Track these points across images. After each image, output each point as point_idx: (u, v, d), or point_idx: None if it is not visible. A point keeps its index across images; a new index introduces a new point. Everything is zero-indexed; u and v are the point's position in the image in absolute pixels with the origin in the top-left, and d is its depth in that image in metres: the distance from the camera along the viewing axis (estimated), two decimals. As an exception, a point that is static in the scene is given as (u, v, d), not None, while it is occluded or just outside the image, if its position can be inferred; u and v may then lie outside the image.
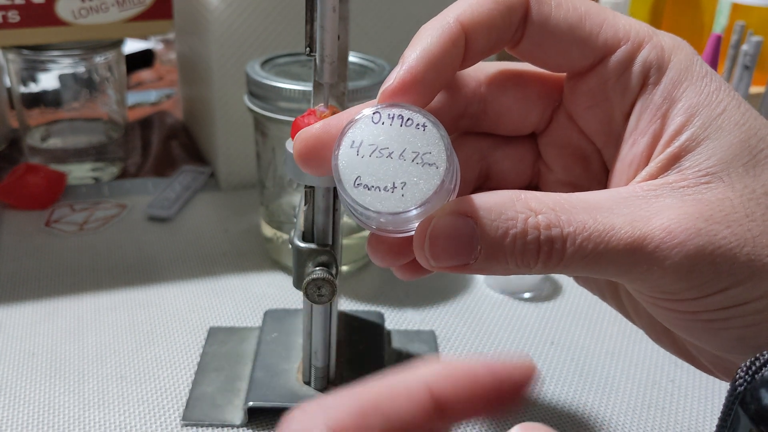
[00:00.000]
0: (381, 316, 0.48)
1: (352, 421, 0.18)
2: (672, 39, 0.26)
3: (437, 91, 0.26)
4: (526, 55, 0.27)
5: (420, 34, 0.25)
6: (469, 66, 0.27)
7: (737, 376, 0.21)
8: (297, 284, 0.38)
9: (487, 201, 0.23)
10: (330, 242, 0.37)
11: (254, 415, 0.41)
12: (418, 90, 0.25)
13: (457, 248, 0.23)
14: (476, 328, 0.49)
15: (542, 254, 0.23)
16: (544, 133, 0.30)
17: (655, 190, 0.24)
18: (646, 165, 0.25)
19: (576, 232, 0.23)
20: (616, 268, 0.23)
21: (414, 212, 0.23)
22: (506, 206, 0.23)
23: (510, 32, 0.26)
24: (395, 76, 0.25)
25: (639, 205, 0.23)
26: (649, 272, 0.23)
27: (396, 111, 0.24)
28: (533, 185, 0.31)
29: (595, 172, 0.29)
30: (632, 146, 0.26)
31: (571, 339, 0.49)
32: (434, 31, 0.25)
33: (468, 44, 0.25)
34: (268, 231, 0.55)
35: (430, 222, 0.23)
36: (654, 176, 0.25)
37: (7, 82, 0.71)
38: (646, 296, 0.25)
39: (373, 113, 0.24)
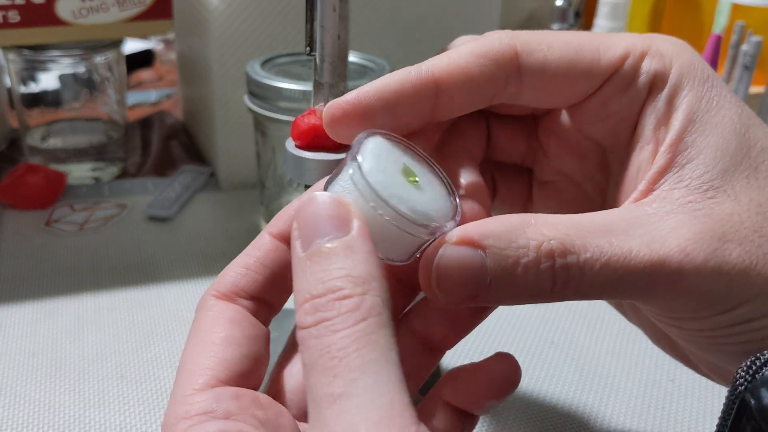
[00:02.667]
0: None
1: None
2: (672, 44, 0.26)
3: (391, 128, 0.25)
4: (530, 101, 0.26)
5: (389, 74, 0.25)
6: (449, 117, 0.26)
7: (738, 375, 0.21)
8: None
9: (496, 228, 0.22)
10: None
11: (254, 415, 0.41)
12: (358, 120, 0.24)
13: (466, 281, 0.22)
14: (476, 328, 0.49)
15: (558, 283, 0.22)
16: (545, 118, 0.29)
17: (664, 206, 0.23)
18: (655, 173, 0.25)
19: (593, 258, 0.22)
20: (635, 292, 0.23)
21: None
22: (517, 233, 0.22)
23: (500, 86, 0.25)
24: (343, 99, 0.24)
25: (653, 224, 0.23)
26: (667, 294, 0.23)
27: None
28: (527, 164, 0.31)
29: (590, 169, 0.29)
30: (639, 153, 0.26)
31: (571, 339, 0.49)
32: (401, 73, 0.24)
33: (442, 96, 0.24)
34: (268, 231, 0.55)
35: (436, 252, 0.22)
36: (654, 181, 0.25)
37: (7, 82, 0.71)
38: (656, 314, 0.25)
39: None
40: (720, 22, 0.67)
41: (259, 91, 0.50)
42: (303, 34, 0.33)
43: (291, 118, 0.46)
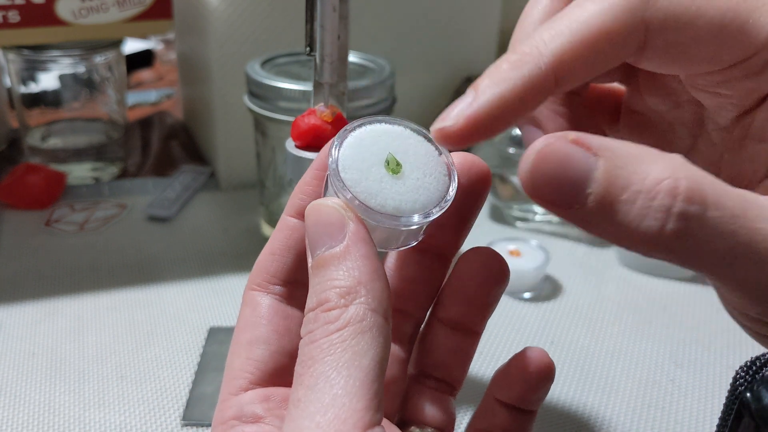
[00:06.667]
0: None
1: None
2: None
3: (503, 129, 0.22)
4: (646, 67, 0.23)
5: (500, 69, 0.21)
6: (557, 96, 0.23)
7: (737, 375, 0.21)
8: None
9: (622, 146, 0.19)
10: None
11: (254, 415, 0.41)
12: (480, 135, 0.21)
13: (565, 181, 0.19)
14: (476, 328, 0.49)
15: (667, 230, 0.18)
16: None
17: None
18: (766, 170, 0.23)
19: (722, 221, 0.18)
20: (740, 278, 0.20)
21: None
22: (643, 158, 0.19)
23: (619, 62, 0.22)
24: (453, 116, 0.21)
25: None
26: None
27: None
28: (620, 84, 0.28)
29: (683, 116, 0.26)
30: (754, 143, 0.23)
31: (571, 339, 0.49)
32: (519, 73, 0.21)
33: (559, 82, 0.21)
34: (268, 231, 0.55)
35: (544, 143, 0.19)
36: None
37: (7, 82, 0.71)
38: (744, 304, 0.22)
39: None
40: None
41: (259, 91, 0.50)
42: (303, 34, 0.33)
43: (291, 118, 0.46)
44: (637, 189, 0.18)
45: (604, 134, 0.29)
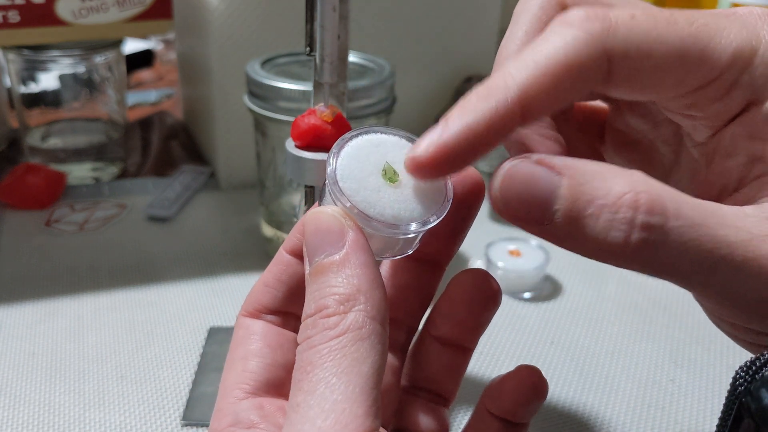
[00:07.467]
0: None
1: None
2: None
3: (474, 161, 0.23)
4: (612, 95, 0.24)
5: (470, 102, 0.21)
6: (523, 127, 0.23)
7: (737, 375, 0.21)
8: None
9: (583, 163, 0.20)
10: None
11: (254, 415, 0.41)
12: (449, 167, 0.22)
13: (532, 200, 0.20)
14: (476, 328, 0.49)
15: (631, 243, 0.19)
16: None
17: (764, 212, 0.21)
18: (738, 183, 0.23)
19: (682, 230, 0.19)
20: (707, 283, 0.20)
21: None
22: (604, 174, 0.20)
23: (585, 93, 0.23)
24: (424, 148, 0.21)
25: (752, 223, 0.21)
26: (744, 296, 0.21)
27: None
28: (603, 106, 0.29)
29: (663, 134, 0.27)
30: (724, 159, 0.23)
31: (571, 339, 0.49)
32: (487, 105, 0.21)
33: (525, 115, 0.22)
34: (268, 231, 0.55)
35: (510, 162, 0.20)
36: (752, 198, 0.22)
37: (7, 82, 0.71)
38: (717, 310, 0.23)
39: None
40: (720, 22, 0.66)
41: (259, 91, 0.50)
42: (303, 34, 0.33)
43: (291, 118, 0.46)
44: (601, 203, 0.19)
45: (600, 154, 0.30)
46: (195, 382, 0.43)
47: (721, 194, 0.24)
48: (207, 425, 0.41)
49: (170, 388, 0.43)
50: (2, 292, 0.52)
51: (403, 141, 0.24)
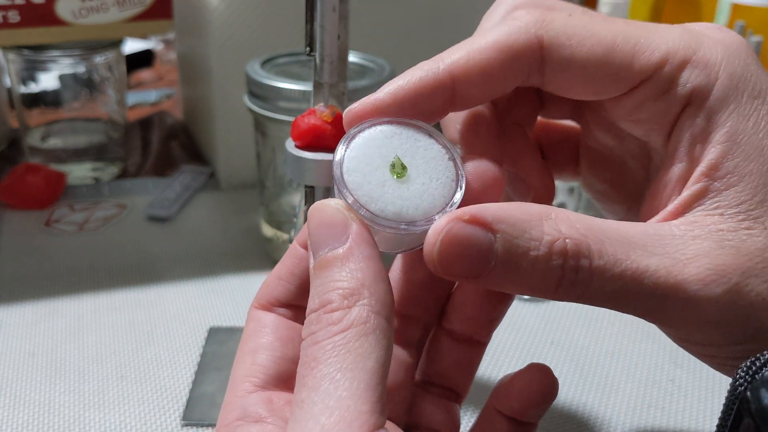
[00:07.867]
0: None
1: None
2: (723, 48, 0.23)
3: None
4: (555, 91, 0.25)
5: (408, 71, 0.24)
6: (466, 108, 0.26)
7: (737, 375, 0.21)
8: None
9: (513, 214, 0.21)
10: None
11: (254, 415, 0.41)
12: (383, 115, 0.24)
13: (470, 260, 0.21)
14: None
15: (564, 284, 0.21)
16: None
17: (692, 230, 0.22)
18: (681, 190, 0.24)
19: (606, 267, 0.21)
20: (643, 309, 0.22)
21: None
22: (533, 224, 0.21)
23: (520, 79, 0.24)
24: (360, 102, 0.24)
25: (676, 246, 0.22)
26: (678, 319, 0.22)
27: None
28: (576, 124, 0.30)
29: (631, 150, 0.27)
30: (670, 168, 0.24)
31: (571, 339, 0.49)
32: (419, 72, 0.24)
33: (459, 90, 0.24)
34: (268, 231, 0.55)
35: (444, 225, 0.21)
36: (687, 206, 0.23)
37: (7, 82, 0.71)
38: (666, 332, 0.25)
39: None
40: (720, 22, 0.67)
41: (259, 91, 0.50)
42: (303, 34, 0.33)
43: (291, 118, 0.46)
44: (534, 255, 0.21)
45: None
46: (195, 382, 0.43)
47: (669, 203, 0.24)
48: (207, 425, 0.41)
49: (170, 388, 0.43)
50: (2, 292, 0.52)
51: (419, 134, 0.24)
